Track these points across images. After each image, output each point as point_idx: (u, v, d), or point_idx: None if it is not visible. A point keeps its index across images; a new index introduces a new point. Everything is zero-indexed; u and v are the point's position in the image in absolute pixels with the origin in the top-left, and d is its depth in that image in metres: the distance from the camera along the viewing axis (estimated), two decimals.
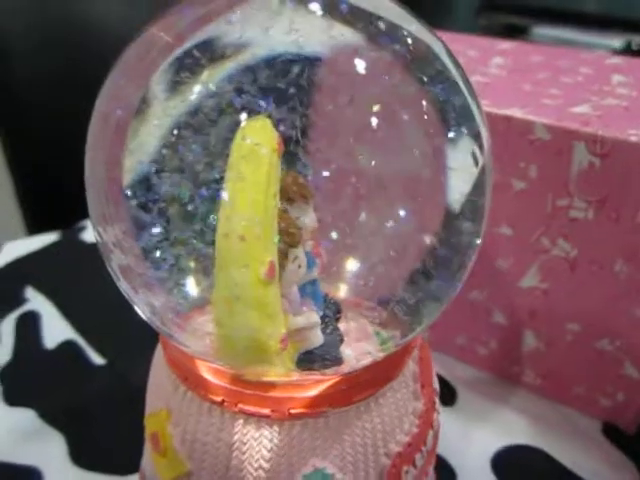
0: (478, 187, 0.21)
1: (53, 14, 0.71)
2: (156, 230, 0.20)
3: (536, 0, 1.06)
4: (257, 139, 0.18)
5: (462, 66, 0.22)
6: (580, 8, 1.02)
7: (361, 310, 0.23)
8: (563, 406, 0.36)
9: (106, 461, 0.32)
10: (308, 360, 0.21)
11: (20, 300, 0.44)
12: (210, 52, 0.19)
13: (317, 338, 0.21)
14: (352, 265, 0.22)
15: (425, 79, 0.21)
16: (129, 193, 0.20)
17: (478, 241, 0.22)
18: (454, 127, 0.21)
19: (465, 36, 0.45)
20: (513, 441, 0.34)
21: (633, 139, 0.28)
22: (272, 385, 0.21)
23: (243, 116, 0.19)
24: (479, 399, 0.37)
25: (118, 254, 0.21)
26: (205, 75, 0.19)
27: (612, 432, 0.35)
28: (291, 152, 0.19)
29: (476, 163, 0.21)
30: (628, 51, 0.88)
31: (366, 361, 0.22)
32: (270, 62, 0.19)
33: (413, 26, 0.21)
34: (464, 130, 0.21)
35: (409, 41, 0.21)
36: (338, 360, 0.22)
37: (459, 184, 0.21)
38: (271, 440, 0.20)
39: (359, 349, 0.22)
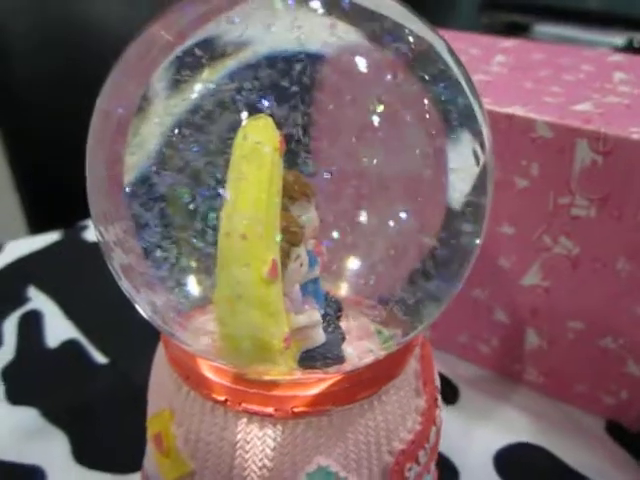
0: (479, 186, 0.21)
1: (53, 14, 0.71)
2: (157, 229, 0.20)
3: None
4: (259, 138, 0.18)
5: (464, 64, 0.22)
6: (582, 6, 1.02)
7: (361, 308, 0.23)
8: (565, 404, 0.36)
9: (109, 460, 0.32)
10: (310, 359, 0.21)
11: (22, 299, 0.45)
12: (211, 50, 0.19)
13: (319, 337, 0.21)
14: (352, 264, 0.22)
15: (427, 77, 0.21)
16: (130, 192, 0.20)
17: (479, 239, 0.22)
18: (455, 126, 0.21)
19: (467, 34, 0.45)
20: (515, 439, 0.34)
21: (635, 137, 0.28)
22: (275, 384, 0.21)
23: (244, 114, 0.19)
24: (481, 397, 0.37)
25: (119, 253, 0.21)
26: (206, 73, 0.19)
27: (615, 430, 0.35)
28: (293, 151, 0.19)
29: (477, 162, 0.21)
30: (630, 49, 0.88)
31: (368, 359, 0.22)
32: (271, 60, 0.19)
33: (415, 25, 0.21)
34: (466, 129, 0.21)
35: (411, 39, 0.21)
36: (340, 358, 0.22)
37: (460, 183, 0.21)
38: (274, 439, 0.20)
39: (361, 347, 0.22)
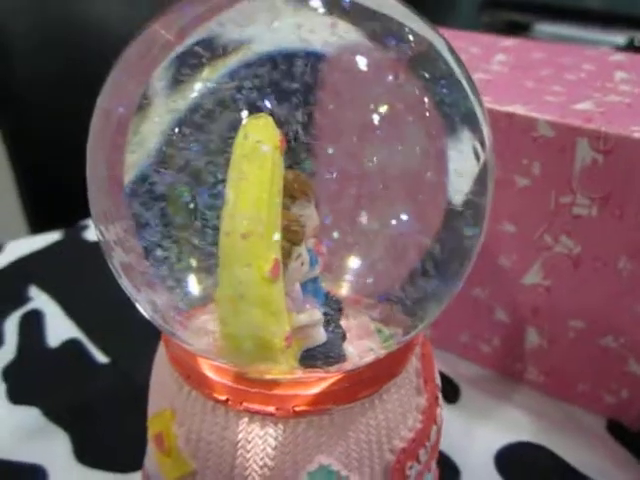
0: (480, 184, 0.21)
1: (53, 14, 0.71)
2: (157, 228, 0.20)
3: None
4: (259, 137, 0.18)
5: (464, 63, 0.22)
6: (583, 5, 1.02)
7: (361, 307, 0.23)
8: (566, 403, 0.36)
9: (110, 459, 0.32)
10: (311, 358, 0.21)
11: (24, 299, 0.45)
12: (211, 49, 0.19)
13: (320, 336, 0.21)
14: (352, 262, 0.22)
15: (427, 76, 0.21)
16: (130, 191, 0.20)
17: (479, 238, 0.22)
18: (456, 124, 0.21)
19: (468, 33, 0.45)
20: (516, 438, 0.34)
21: (636, 135, 0.28)
22: (276, 383, 0.21)
23: (245, 114, 0.19)
24: (482, 396, 0.37)
25: (119, 252, 0.21)
26: (206, 72, 0.19)
27: (616, 429, 0.35)
28: (293, 149, 0.19)
29: (478, 160, 0.21)
30: (631, 48, 0.88)
31: (369, 358, 0.22)
32: (271, 59, 0.19)
33: (415, 23, 0.21)
34: (466, 127, 0.21)
35: (411, 38, 0.21)
36: (341, 357, 0.22)
37: (461, 182, 0.21)
38: (276, 438, 0.20)
39: (361, 346, 0.22)
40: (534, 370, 0.37)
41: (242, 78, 0.19)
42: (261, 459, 0.21)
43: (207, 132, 0.19)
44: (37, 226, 0.76)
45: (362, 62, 0.20)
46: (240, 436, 0.21)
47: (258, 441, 0.21)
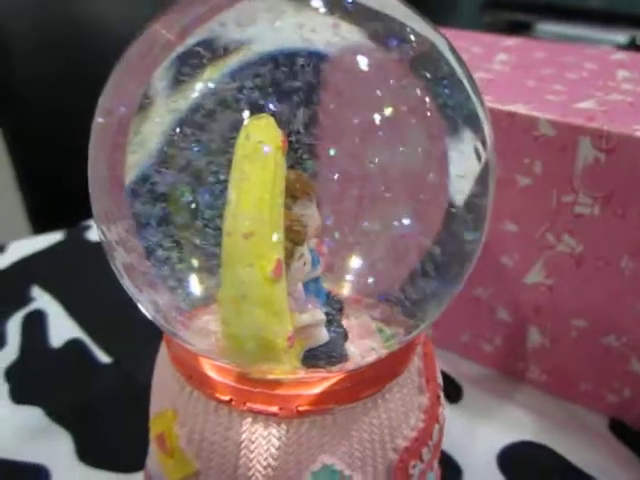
0: (481, 184, 0.21)
1: (54, 14, 0.71)
2: (159, 228, 0.20)
3: None
4: (261, 137, 0.18)
5: (466, 63, 0.22)
6: (584, 4, 1.02)
7: (362, 307, 0.24)
8: (569, 402, 0.36)
9: (113, 459, 0.32)
10: (313, 357, 0.21)
11: (26, 299, 0.45)
12: (212, 49, 0.19)
13: (322, 335, 0.21)
14: (353, 262, 0.22)
15: (429, 76, 0.21)
16: (132, 191, 0.20)
17: (481, 238, 0.22)
18: (457, 124, 0.21)
19: (469, 33, 0.45)
20: (519, 437, 0.34)
21: (638, 134, 0.28)
22: (278, 383, 0.21)
23: (246, 114, 0.19)
24: (484, 396, 0.37)
25: (121, 252, 0.21)
26: (207, 72, 0.19)
27: (619, 428, 0.35)
28: (294, 149, 0.19)
29: (479, 160, 0.21)
30: (633, 46, 0.88)
31: (371, 358, 0.22)
32: (273, 59, 0.19)
33: (417, 23, 0.21)
34: (467, 127, 0.21)
35: (413, 38, 0.21)
36: (343, 357, 0.22)
37: (462, 181, 0.21)
38: (279, 438, 0.20)
39: (363, 346, 0.22)
40: (536, 369, 0.37)
41: (243, 78, 0.19)
42: (264, 459, 0.21)
43: (208, 132, 0.19)
44: (39, 226, 0.76)
45: (363, 62, 0.20)
46: (243, 436, 0.21)
47: (261, 441, 0.21)
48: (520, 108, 0.31)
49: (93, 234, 0.53)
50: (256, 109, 0.19)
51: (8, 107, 0.71)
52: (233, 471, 0.21)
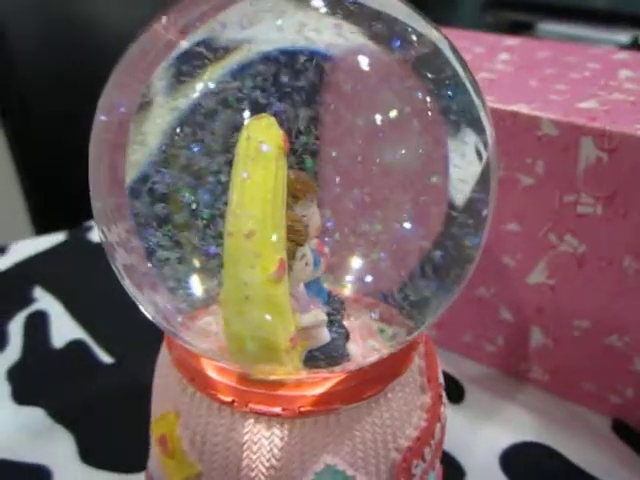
0: (482, 184, 0.21)
1: (54, 14, 0.71)
2: (159, 229, 0.20)
3: None
4: (262, 137, 0.18)
5: (467, 63, 0.22)
6: (586, 4, 1.02)
7: (363, 307, 0.23)
8: (571, 403, 0.36)
9: (114, 459, 0.32)
10: (315, 358, 0.21)
11: (28, 300, 0.45)
12: (213, 49, 0.19)
13: (324, 336, 0.21)
14: (354, 263, 0.22)
15: (430, 76, 0.21)
16: (132, 191, 0.20)
17: (483, 238, 0.22)
18: (458, 124, 0.21)
19: (471, 33, 0.45)
20: (521, 438, 0.34)
21: None
22: (280, 384, 0.21)
23: (247, 114, 0.19)
24: (487, 396, 0.37)
25: (122, 253, 0.21)
26: (208, 72, 0.19)
27: (622, 429, 0.34)
28: (295, 149, 0.19)
29: (480, 160, 0.21)
30: (635, 46, 0.88)
31: (372, 358, 0.22)
32: (274, 59, 0.19)
33: (418, 23, 0.21)
34: (468, 127, 0.21)
35: (414, 38, 0.21)
36: (345, 357, 0.22)
37: (463, 181, 0.21)
38: (282, 439, 0.20)
39: (365, 346, 0.22)
40: (539, 369, 0.37)
41: (244, 78, 0.19)
42: (267, 460, 0.20)
43: (209, 132, 0.19)
44: (41, 227, 0.76)
45: (365, 63, 0.20)
46: (246, 437, 0.21)
47: (264, 442, 0.21)
48: (523, 108, 0.31)
49: (95, 235, 0.53)
50: (257, 109, 0.19)
51: (10, 108, 0.71)
52: (236, 472, 0.21)
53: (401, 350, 0.22)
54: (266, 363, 0.20)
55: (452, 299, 0.22)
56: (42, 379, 0.38)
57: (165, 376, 0.23)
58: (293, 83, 0.19)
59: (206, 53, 0.19)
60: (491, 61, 0.39)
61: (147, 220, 0.20)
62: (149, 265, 0.20)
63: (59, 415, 0.35)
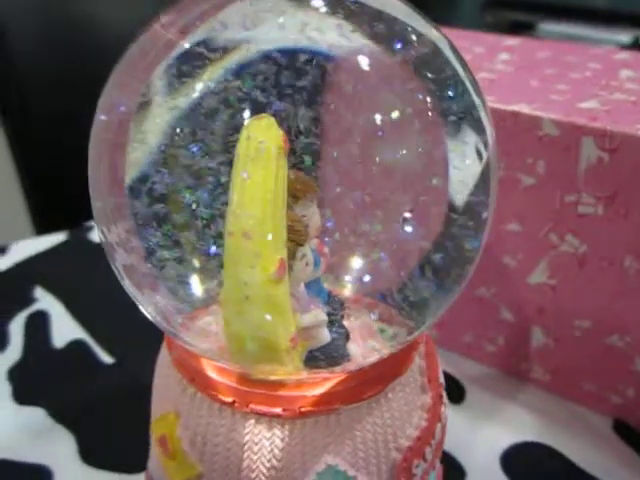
0: (482, 184, 0.21)
1: (54, 14, 0.71)
2: (159, 229, 0.20)
3: None
4: (262, 137, 0.18)
5: (467, 63, 0.22)
6: (587, 4, 1.02)
7: (363, 307, 0.23)
8: (572, 403, 0.36)
9: (115, 459, 0.32)
10: (316, 358, 0.21)
11: (29, 300, 0.45)
12: (213, 49, 0.19)
13: (324, 336, 0.21)
14: (354, 263, 0.22)
15: (430, 76, 0.21)
16: (132, 191, 0.20)
17: (483, 238, 0.22)
18: (459, 124, 0.21)
19: (471, 33, 0.45)
20: (522, 438, 0.34)
21: None
22: (281, 384, 0.21)
23: (247, 113, 0.19)
24: (487, 396, 0.37)
25: (122, 253, 0.21)
26: (208, 72, 0.19)
27: (623, 429, 0.34)
28: (294, 149, 0.19)
29: (481, 160, 0.21)
30: (636, 46, 0.88)
31: (373, 358, 0.22)
32: (274, 59, 0.19)
33: (418, 23, 0.21)
34: (469, 127, 0.21)
35: (415, 39, 0.21)
36: (345, 357, 0.21)
37: (463, 181, 0.21)
38: (283, 439, 0.20)
39: (365, 346, 0.22)
40: (540, 369, 0.37)
41: (243, 77, 0.19)
42: (268, 461, 0.20)
43: (209, 132, 0.19)
44: (42, 227, 0.77)
45: (365, 63, 0.20)
46: (247, 438, 0.21)
47: (265, 442, 0.20)
48: (523, 108, 0.31)
49: (96, 235, 0.53)
50: (257, 108, 0.18)
51: (9, 107, 0.71)
52: (237, 473, 0.21)
53: (401, 350, 0.22)
54: (266, 363, 0.20)
55: (452, 299, 0.22)
56: (43, 379, 0.38)
57: (165, 376, 0.23)
58: (293, 83, 0.19)
59: (206, 53, 0.19)
60: (491, 61, 0.38)
61: (147, 220, 0.20)
62: (149, 265, 0.20)
63: (60, 415, 0.35)
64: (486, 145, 0.21)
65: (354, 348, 0.22)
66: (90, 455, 0.32)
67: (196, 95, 0.19)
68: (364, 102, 0.20)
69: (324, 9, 0.20)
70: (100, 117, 0.21)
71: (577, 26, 0.97)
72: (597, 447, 0.33)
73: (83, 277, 0.47)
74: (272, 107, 0.19)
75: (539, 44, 0.42)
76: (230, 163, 0.18)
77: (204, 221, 0.19)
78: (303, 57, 0.19)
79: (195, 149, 0.19)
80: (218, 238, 0.19)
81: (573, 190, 0.31)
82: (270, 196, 0.18)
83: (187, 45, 0.20)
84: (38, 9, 0.70)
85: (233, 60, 0.19)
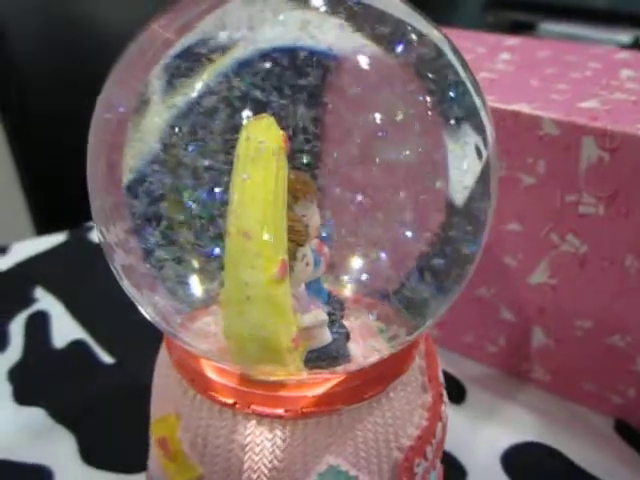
0: (483, 183, 0.21)
1: (54, 14, 0.71)
2: (158, 229, 0.20)
3: None
4: (262, 137, 0.18)
5: (468, 63, 0.22)
6: (587, 4, 1.02)
7: (363, 307, 0.23)
8: (573, 403, 0.36)
9: (116, 459, 0.32)
10: (316, 359, 0.21)
11: (29, 300, 0.45)
12: (212, 48, 0.19)
13: (325, 336, 0.21)
14: (353, 263, 0.22)
15: (430, 76, 0.20)
16: (130, 192, 0.20)
17: (483, 238, 0.22)
18: (459, 124, 0.21)
19: (472, 33, 0.45)
20: (523, 438, 0.34)
21: None
22: (282, 385, 0.21)
23: (246, 113, 0.19)
24: (488, 396, 0.37)
25: (120, 254, 0.21)
26: (207, 72, 0.19)
27: (624, 429, 0.34)
28: (295, 150, 0.19)
29: (481, 159, 0.21)
30: (636, 46, 0.88)
31: (373, 358, 0.22)
32: (274, 59, 0.19)
33: (419, 23, 0.21)
34: (469, 127, 0.21)
35: (415, 39, 0.21)
36: (346, 358, 0.21)
37: (463, 181, 0.21)
38: (284, 440, 0.20)
39: (365, 346, 0.22)
40: (540, 370, 0.37)
41: (243, 77, 0.19)
42: (270, 462, 0.20)
43: (209, 132, 0.19)
44: (42, 227, 0.77)
45: (365, 63, 0.20)
46: (248, 439, 0.21)
47: (266, 443, 0.20)
48: (524, 107, 0.31)
49: (96, 235, 0.53)
50: (257, 108, 0.18)
51: (9, 107, 0.71)
52: (238, 474, 0.21)
53: (402, 349, 0.22)
54: (267, 364, 0.20)
55: (453, 299, 0.22)
56: (43, 379, 0.38)
57: (165, 377, 0.23)
58: (294, 82, 0.19)
59: (205, 52, 0.19)
60: (492, 61, 0.38)
61: (146, 220, 0.20)
62: (147, 266, 0.20)
63: (60, 415, 0.35)
64: (486, 144, 0.21)
65: (354, 348, 0.22)
66: (90, 455, 0.32)
67: (195, 94, 0.19)
68: (364, 102, 0.20)
69: (325, 9, 0.20)
70: (98, 116, 0.21)
71: (577, 26, 0.97)
72: (598, 447, 0.33)
73: (83, 277, 0.47)
74: (272, 106, 0.18)
75: (539, 44, 0.42)
76: (229, 162, 0.18)
77: (202, 221, 0.19)
78: (303, 56, 0.19)
79: (194, 148, 0.19)
80: (217, 238, 0.19)
81: (574, 190, 0.31)
82: (271, 196, 0.18)
83: (186, 44, 0.20)
84: (38, 9, 0.70)
85: (232, 59, 0.19)
